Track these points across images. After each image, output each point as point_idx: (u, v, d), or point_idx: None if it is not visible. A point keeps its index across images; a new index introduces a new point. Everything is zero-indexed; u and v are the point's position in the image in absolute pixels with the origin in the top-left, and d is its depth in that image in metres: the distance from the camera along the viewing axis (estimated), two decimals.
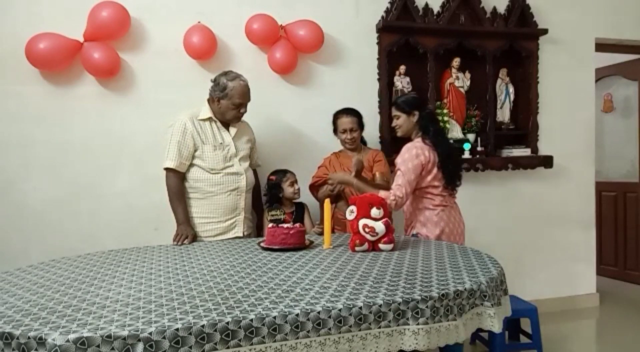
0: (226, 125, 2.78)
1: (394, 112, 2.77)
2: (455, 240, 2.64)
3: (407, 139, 2.80)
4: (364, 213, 2.17)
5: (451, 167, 2.65)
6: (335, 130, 3.07)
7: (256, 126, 3.02)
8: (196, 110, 2.74)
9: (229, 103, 2.65)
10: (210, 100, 2.72)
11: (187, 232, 2.58)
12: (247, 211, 2.82)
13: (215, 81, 2.69)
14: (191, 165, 2.70)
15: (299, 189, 2.97)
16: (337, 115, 3.04)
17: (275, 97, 3.28)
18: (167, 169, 2.67)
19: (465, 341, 1.69)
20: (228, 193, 2.71)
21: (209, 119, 2.72)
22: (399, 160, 2.64)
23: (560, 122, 3.91)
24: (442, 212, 2.64)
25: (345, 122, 2.99)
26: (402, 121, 2.73)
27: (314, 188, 3.09)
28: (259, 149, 3.04)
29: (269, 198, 2.97)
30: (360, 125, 3.04)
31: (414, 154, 2.59)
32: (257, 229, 2.97)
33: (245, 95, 2.67)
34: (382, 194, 2.49)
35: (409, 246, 2.24)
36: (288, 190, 2.92)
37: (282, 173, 2.96)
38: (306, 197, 3.06)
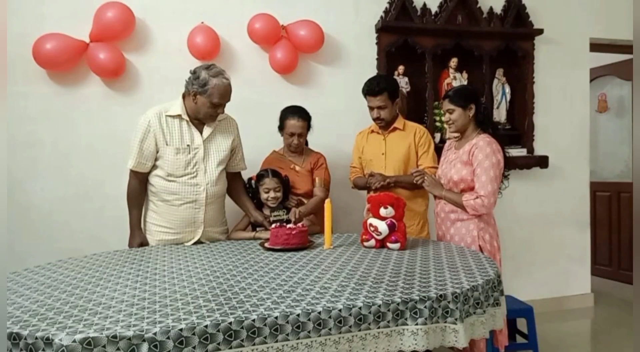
0: (200, 124, 2.52)
1: (447, 105, 2.47)
2: (495, 254, 2.46)
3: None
4: (374, 212, 2.25)
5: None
6: (280, 128, 2.92)
7: (256, 125, 3.04)
8: (167, 105, 2.49)
9: (207, 101, 2.40)
10: (186, 95, 2.47)
11: (134, 243, 2.52)
12: (209, 224, 2.56)
13: (195, 74, 2.41)
14: (154, 167, 2.49)
15: (275, 198, 2.64)
16: (287, 115, 2.86)
17: (276, 96, 3.29)
18: (130, 170, 2.50)
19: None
20: (185, 205, 2.47)
21: (179, 116, 2.46)
22: (486, 159, 2.33)
23: (556, 122, 3.94)
24: (486, 222, 2.45)
25: (295, 126, 2.82)
26: (457, 116, 2.45)
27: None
28: (258, 149, 3.01)
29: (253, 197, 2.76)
30: (309, 128, 2.91)
31: (500, 156, 2.37)
32: (252, 227, 2.82)
33: (226, 95, 2.43)
34: (469, 203, 2.35)
35: (407, 246, 2.26)
36: (262, 195, 2.67)
37: (261, 176, 2.69)
38: None
